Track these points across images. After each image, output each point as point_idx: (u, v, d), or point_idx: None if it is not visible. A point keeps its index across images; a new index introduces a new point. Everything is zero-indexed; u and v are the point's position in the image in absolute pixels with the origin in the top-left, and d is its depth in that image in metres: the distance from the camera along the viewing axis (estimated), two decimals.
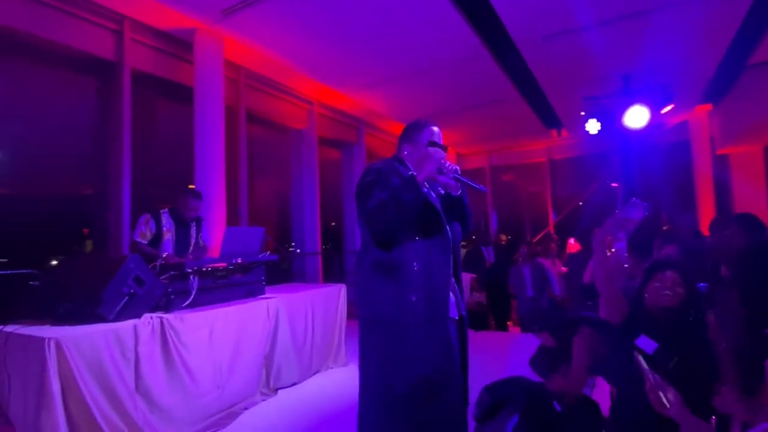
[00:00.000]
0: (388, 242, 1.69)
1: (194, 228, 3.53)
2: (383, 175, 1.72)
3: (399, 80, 5.85)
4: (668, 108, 5.42)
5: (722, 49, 5.22)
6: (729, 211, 7.31)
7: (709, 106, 7.30)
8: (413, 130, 1.89)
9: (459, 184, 1.80)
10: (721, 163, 7.82)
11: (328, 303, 3.72)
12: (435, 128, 1.89)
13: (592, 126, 6.00)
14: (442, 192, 1.89)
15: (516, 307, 5.82)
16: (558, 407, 1.88)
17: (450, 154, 9.76)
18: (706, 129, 7.61)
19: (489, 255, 6.63)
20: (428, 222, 1.74)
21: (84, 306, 2.20)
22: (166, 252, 3.35)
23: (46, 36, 3.76)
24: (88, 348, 2.04)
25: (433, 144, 1.85)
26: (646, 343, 1.47)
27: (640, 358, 1.31)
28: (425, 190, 1.75)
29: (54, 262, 4.05)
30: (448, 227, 1.80)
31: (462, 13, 4.23)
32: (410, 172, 1.70)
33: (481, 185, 1.80)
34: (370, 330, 1.73)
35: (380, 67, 5.50)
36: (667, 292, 1.78)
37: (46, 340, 1.88)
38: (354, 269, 1.76)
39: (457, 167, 1.83)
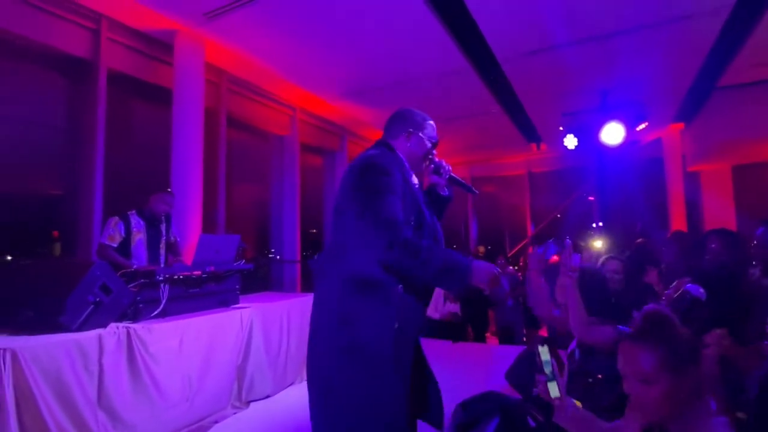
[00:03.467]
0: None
1: (164, 226, 3.48)
2: (396, 179, 1.47)
3: (383, 89, 5.86)
4: (643, 125, 5.58)
5: (694, 71, 5.41)
6: (699, 226, 7.54)
7: (681, 125, 7.55)
8: (409, 122, 1.70)
9: (450, 185, 1.74)
10: (692, 180, 8.09)
11: (305, 313, 3.65)
12: (432, 123, 1.74)
13: (570, 141, 6.12)
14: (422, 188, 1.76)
15: (495, 317, 5.84)
16: (532, 423, 1.88)
17: None
18: (678, 147, 7.85)
19: None
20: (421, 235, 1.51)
21: (46, 314, 2.10)
22: (139, 254, 3.32)
23: (18, 32, 3.63)
24: (47, 359, 1.94)
25: (434, 145, 1.72)
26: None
27: (540, 350, 1.34)
28: (416, 186, 1.61)
29: (16, 267, 3.87)
30: (441, 241, 1.63)
31: (446, 27, 4.27)
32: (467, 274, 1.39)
33: (472, 187, 1.81)
34: (342, 358, 1.39)
35: (364, 76, 5.50)
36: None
37: (1, 351, 1.78)
38: (315, 277, 1.51)
39: (450, 167, 1.76)
